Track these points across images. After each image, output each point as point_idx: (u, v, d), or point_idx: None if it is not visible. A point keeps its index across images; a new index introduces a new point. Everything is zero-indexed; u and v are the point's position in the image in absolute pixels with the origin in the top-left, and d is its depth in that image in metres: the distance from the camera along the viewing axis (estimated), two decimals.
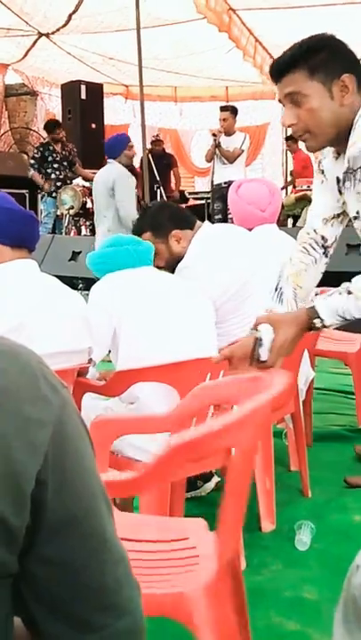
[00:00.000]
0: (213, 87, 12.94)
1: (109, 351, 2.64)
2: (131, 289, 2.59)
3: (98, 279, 2.71)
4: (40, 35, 10.55)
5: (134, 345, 2.51)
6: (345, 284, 1.88)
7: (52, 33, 10.42)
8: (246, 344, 1.92)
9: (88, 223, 9.15)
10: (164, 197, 9.69)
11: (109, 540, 0.85)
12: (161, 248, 2.99)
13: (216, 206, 8.65)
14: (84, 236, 9.28)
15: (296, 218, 10.18)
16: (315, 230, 2.09)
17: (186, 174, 13.36)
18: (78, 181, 9.17)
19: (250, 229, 3.40)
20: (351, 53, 1.89)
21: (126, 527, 1.75)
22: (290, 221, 10.21)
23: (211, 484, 3.10)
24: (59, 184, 9.01)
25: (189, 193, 12.02)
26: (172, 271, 3.02)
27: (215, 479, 3.10)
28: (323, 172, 2.04)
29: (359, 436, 3.74)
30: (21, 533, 0.77)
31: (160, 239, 3.01)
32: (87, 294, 2.67)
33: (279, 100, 2.01)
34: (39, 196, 9.60)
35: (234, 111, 8.75)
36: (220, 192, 8.25)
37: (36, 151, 9.29)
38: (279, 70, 1.91)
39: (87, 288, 5.81)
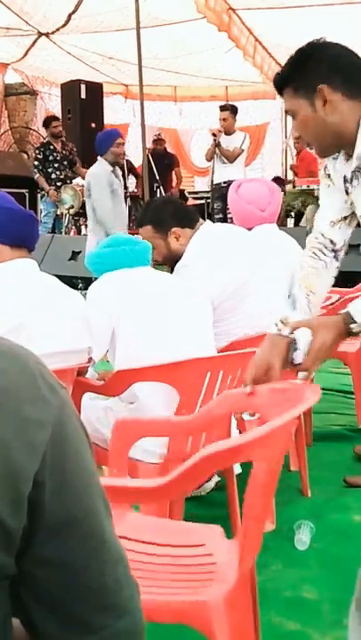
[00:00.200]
0: (213, 87, 12.94)
1: (107, 350, 2.64)
2: (128, 289, 2.59)
3: (96, 279, 2.72)
4: (40, 34, 10.55)
5: (132, 345, 2.51)
6: None
7: (52, 32, 10.42)
8: (274, 351, 1.90)
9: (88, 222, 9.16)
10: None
11: (109, 540, 0.84)
12: (160, 243, 2.99)
13: (216, 206, 8.65)
14: (84, 235, 9.27)
15: (298, 217, 10.17)
16: (323, 234, 2.08)
17: (186, 174, 13.35)
18: (78, 181, 9.17)
19: (249, 229, 3.40)
20: (334, 60, 1.89)
21: (142, 529, 1.77)
22: (290, 221, 10.21)
23: (210, 484, 3.10)
24: (59, 184, 9.02)
25: (189, 192, 12.02)
26: (172, 267, 3.03)
27: (215, 479, 3.10)
28: (329, 175, 2.05)
29: (359, 435, 3.74)
30: (18, 535, 0.77)
31: (160, 234, 3.02)
32: (86, 294, 2.67)
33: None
34: (39, 195, 9.61)
35: (234, 110, 8.74)
36: (220, 191, 8.25)
37: (38, 152, 9.29)
38: (277, 89, 1.97)
39: (87, 287, 5.81)
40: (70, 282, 4.17)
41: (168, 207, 3.13)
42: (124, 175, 7.36)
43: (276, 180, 10.63)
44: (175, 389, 2.35)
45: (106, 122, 11.22)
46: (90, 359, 2.48)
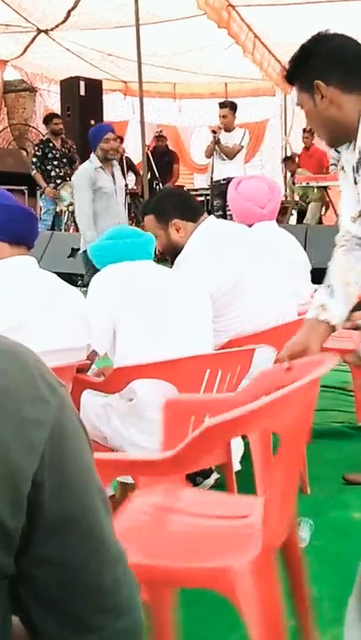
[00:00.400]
0: (213, 84, 12.92)
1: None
2: (129, 283, 2.58)
3: (97, 270, 2.71)
4: (39, 31, 10.53)
5: (132, 340, 2.50)
6: None
7: (51, 29, 10.41)
8: (312, 335, 1.95)
9: None
10: None
11: (108, 539, 0.84)
12: (160, 234, 3.00)
13: (216, 203, 8.64)
14: None
15: (302, 214, 10.18)
16: (348, 231, 2.10)
17: (185, 171, 13.34)
18: None
19: (249, 226, 3.41)
20: (333, 54, 1.91)
21: (193, 503, 1.89)
22: (293, 218, 10.20)
23: (210, 481, 3.09)
24: (58, 181, 9.01)
25: (189, 190, 12.00)
26: (172, 260, 3.03)
27: (215, 475, 3.10)
28: (343, 168, 2.07)
29: (358, 433, 3.74)
30: (17, 535, 0.77)
31: (161, 224, 3.02)
32: (86, 291, 2.66)
33: None
34: (38, 192, 9.60)
35: (233, 107, 8.73)
36: (220, 189, 8.24)
37: (37, 149, 9.29)
38: (289, 84, 2.05)
39: (86, 285, 5.81)
40: (70, 279, 4.16)
41: (172, 198, 3.14)
42: (123, 172, 7.29)
43: (287, 159, 10.55)
44: (174, 386, 2.35)
45: (105, 119, 11.19)
46: (89, 356, 2.47)
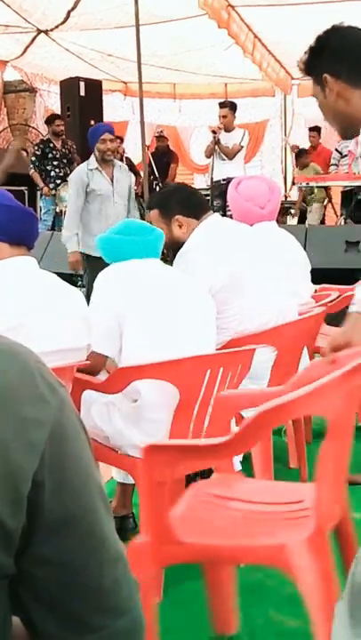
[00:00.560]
0: (212, 84, 12.92)
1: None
2: (134, 283, 2.56)
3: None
4: (39, 31, 10.52)
5: (138, 341, 2.49)
6: None
7: (51, 30, 10.40)
8: (356, 327, 1.98)
9: None
10: None
11: (108, 539, 0.84)
12: (163, 228, 3.00)
13: (216, 203, 8.63)
14: None
15: (304, 215, 10.18)
16: None
17: (185, 171, 13.34)
18: None
19: (249, 226, 3.40)
20: (344, 49, 1.92)
21: (251, 491, 2.03)
22: (293, 219, 10.20)
23: None
24: (58, 181, 9.02)
25: None
26: (174, 254, 3.03)
27: (215, 475, 3.10)
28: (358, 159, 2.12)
29: (359, 433, 3.73)
30: (18, 535, 0.77)
31: (164, 220, 3.04)
32: (86, 291, 2.66)
33: None
34: (38, 193, 9.60)
35: (233, 107, 8.74)
36: (220, 189, 8.24)
37: (36, 148, 9.31)
38: (304, 74, 2.08)
39: (85, 285, 5.80)
40: (70, 279, 4.15)
41: (176, 194, 3.15)
42: (135, 172, 7.18)
43: (301, 152, 10.51)
44: (175, 387, 2.35)
45: (105, 119, 11.18)
46: (88, 357, 2.46)
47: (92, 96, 10.57)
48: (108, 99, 12.06)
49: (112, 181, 5.87)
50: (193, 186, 13.31)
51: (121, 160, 7.87)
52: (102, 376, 2.58)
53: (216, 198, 8.61)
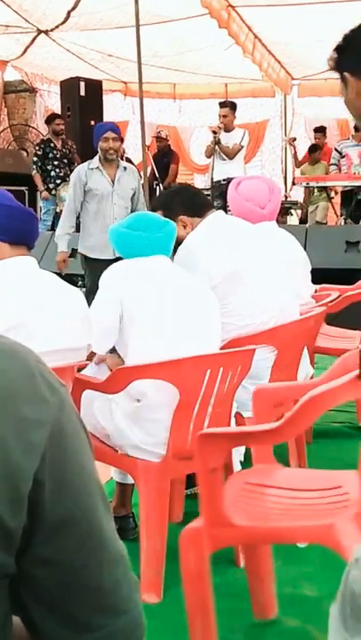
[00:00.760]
0: (213, 84, 12.91)
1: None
2: (138, 282, 2.55)
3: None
4: (39, 32, 10.52)
5: (144, 341, 2.48)
6: None
7: (51, 30, 10.39)
8: None
9: None
10: None
11: (108, 539, 0.84)
12: None
13: (216, 203, 8.63)
14: None
15: (306, 215, 10.17)
16: None
17: (185, 171, 13.34)
18: None
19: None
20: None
21: (291, 480, 2.14)
22: (292, 219, 10.19)
23: None
24: (58, 181, 9.02)
25: None
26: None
27: None
28: None
29: (359, 433, 3.74)
30: (18, 535, 0.77)
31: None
32: (86, 291, 2.65)
33: None
34: (38, 193, 9.61)
35: (233, 107, 8.74)
36: (220, 189, 8.23)
37: (37, 148, 9.31)
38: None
39: (85, 286, 5.80)
40: (70, 279, 4.14)
41: (179, 195, 3.16)
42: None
43: (313, 147, 10.48)
44: (175, 387, 2.35)
45: (105, 119, 11.19)
46: (89, 356, 2.47)
47: (93, 96, 10.58)
48: (109, 99, 12.07)
49: (113, 182, 5.67)
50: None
51: (121, 159, 7.84)
52: (102, 376, 2.57)
53: (216, 198, 8.60)
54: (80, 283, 6.22)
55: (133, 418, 2.44)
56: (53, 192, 9.01)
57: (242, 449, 2.74)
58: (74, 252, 7.92)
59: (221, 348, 2.73)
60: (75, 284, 5.23)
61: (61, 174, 9.06)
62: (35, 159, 9.18)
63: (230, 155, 8.51)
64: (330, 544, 1.70)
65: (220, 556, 2.06)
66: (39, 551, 0.79)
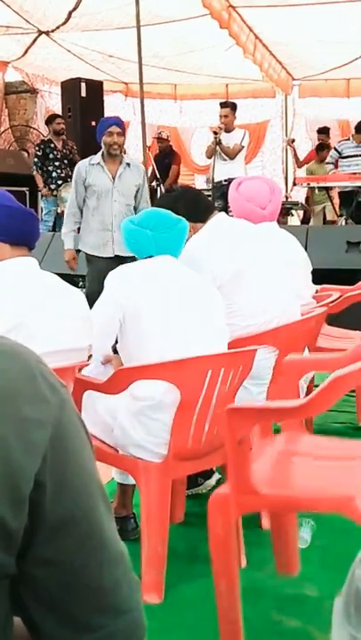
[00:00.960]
0: (213, 85, 12.91)
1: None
2: (144, 283, 2.55)
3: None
4: (40, 32, 10.52)
5: (148, 341, 2.48)
6: None
7: (52, 31, 10.40)
8: None
9: None
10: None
11: (108, 539, 0.84)
12: None
13: (217, 204, 8.63)
14: None
15: (307, 216, 10.16)
16: None
17: (186, 171, 13.34)
18: None
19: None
20: None
21: (319, 447, 2.26)
22: (293, 219, 10.18)
23: (211, 482, 3.10)
24: (59, 182, 9.02)
25: None
26: None
27: (216, 476, 3.10)
28: None
29: (359, 433, 3.74)
30: (19, 535, 0.77)
31: None
32: (86, 292, 2.65)
33: None
34: (39, 193, 9.61)
35: (234, 107, 8.75)
36: (221, 190, 8.23)
37: (38, 149, 9.30)
38: None
39: (85, 286, 5.80)
40: (71, 280, 4.13)
41: (181, 200, 3.15)
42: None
43: (321, 146, 10.45)
44: (176, 387, 2.35)
45: None
46: (90, 356, 2.47)
47: (93, 97, 10.58)
48: (109, 99, 12.07)
49: (113, 178, 5.47)
50: (194, 187, 13.35)
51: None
52: (103, 376, 2.57)
53: (217, 199, 8.60)
54: (81, 283, 6.22)
55: (139, 417, 2.43)
56: (55, 193, 9.02)
57: None
58: (76, 253, 7.93)
59: None
60: (75, 284, 5.23)
61: (62, 175, 9.06)
62: (35, 160, 9.18)
63: (231, 155, 8.51)
64: (350, 515, 1.75)
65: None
66: (39, 551, 0.79)
